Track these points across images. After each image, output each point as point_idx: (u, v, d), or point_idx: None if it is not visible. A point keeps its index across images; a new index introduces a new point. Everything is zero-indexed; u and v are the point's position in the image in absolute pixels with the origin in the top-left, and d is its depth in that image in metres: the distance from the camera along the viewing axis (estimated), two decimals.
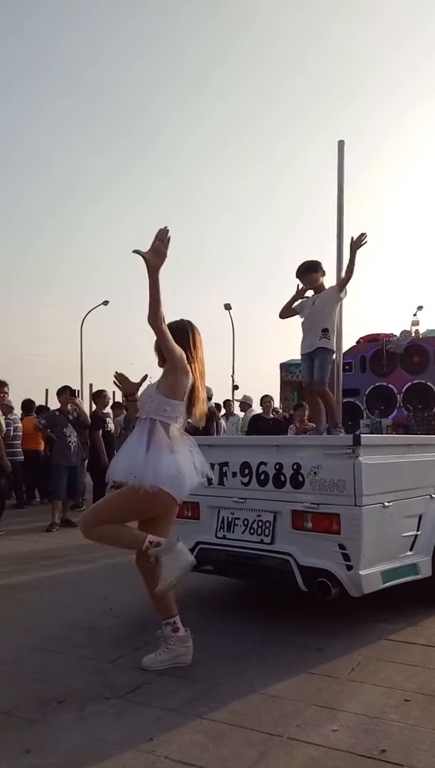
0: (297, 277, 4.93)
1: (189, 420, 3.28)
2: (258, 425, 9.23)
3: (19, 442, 9.52)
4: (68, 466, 8.30)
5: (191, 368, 3.14)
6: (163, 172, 53.76)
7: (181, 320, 3.30)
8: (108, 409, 9.48)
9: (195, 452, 3.22)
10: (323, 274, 4.92)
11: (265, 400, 9.56)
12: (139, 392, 3.37)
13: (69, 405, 8.57)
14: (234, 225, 55.57)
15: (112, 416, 9.43)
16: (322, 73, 56.93)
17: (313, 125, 50.85)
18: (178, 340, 3.11)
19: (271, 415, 9.47)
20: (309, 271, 4.88)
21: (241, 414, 11.20)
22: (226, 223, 54.10)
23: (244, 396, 11.69)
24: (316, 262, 4.93)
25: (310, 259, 4.94)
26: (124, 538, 3.15)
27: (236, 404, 11.95)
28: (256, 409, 10.33)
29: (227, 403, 12.34)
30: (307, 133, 56.00)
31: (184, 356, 3.10)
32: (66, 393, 8.58)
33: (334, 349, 4.91)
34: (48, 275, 49.18)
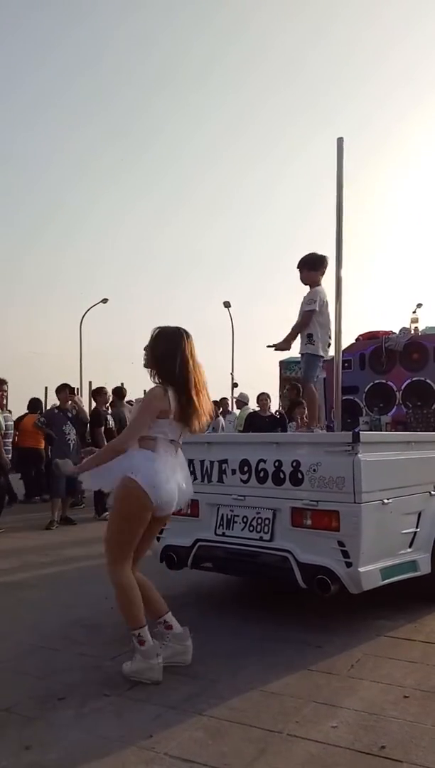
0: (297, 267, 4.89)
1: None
2: (254, 423, 9.28)
3: (10, 440, 9.55)
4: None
5: (185, 379, 3.03)
6: (163, 171, 53.79)
7: (175, 329, 3.14)
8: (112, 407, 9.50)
9: (180, 471, 3.14)
10: (322, 273, 4.88)
11: (262, 398, 9.64)
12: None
13: (68, 403, 8.58)
14: (234, 224, 55.66)
15: (111, 413, 9.45)
16: (322, 72, 56.93)
17: (312, 124, 50.98)
18: (167, 348, 3.05)
19: (268, 413, 9.54)
20: (306, 266, 4.83)
21: (238, 411, 11.27)
22: (226, 221, 54.17)
23: (241, 394, 11.76)
24: (317, 259, 4.87)
25: (314, 253, 4.89)
26: (127, 608, 3.00)
27: (233, 402, 12.03)
28: (253, 406, 10.40)
29: (223, 401, 12.38)
30: (307, 132, 56.01)
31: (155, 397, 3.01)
32: (65, 391, 8.60)
33: (319, 353, 4.79)
34: (48, 274, 49.22)
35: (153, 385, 3.09)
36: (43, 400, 13.24)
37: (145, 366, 3.15)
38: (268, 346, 4.79)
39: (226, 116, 56.24)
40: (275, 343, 4.79)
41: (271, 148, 56.31)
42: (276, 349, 4.82)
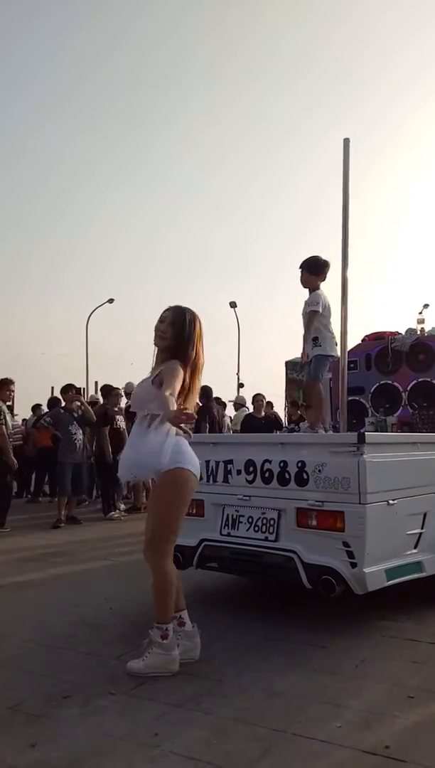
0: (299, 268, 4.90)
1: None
2: (250, 424, 9.37)
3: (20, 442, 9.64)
4: (73, 463, 8.35)
5: (196, 362, 3.12)
6: (169, 171, 53.80)
7: (194, 312, 3.21)
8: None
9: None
10: (323, 278, 4.87)
11: (256, 400, 9.84)
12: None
13: (74, 403, 8.62)
14: (240, 224, 55.61)
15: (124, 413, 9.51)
16: (330, 72, 56.80)
17: (319, 125, 50.82)
18: (192, 330, 3.11)
19: (262, 414, 9.71)
20: (308, 269, 4.84)
21: (234, 413, 11.45)
22: (232, 222, 54.12)
23: (238, 396, 11.96)
24: (320, 263, 4.86)
25: (317, 257, 4.89)
26: (162, 602, 3.08)
27: (230, 404, 12.24)
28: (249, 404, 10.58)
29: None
30: (314, 133, 55.95)
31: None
32: (71, 391, 8.64)
33: (328, 353, 4.85)
34: (55, 275, 49.28)
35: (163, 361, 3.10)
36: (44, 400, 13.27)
37: (162, 344, 3.14)
38: (301, 365, 4.92)
39: (234, 117, 56.29)
40: (301, 360, 4.96)
41: (278, 148, 56.34)
42: (304, 363, 4.96)
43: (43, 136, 50.15)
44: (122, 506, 8.98)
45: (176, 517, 3.12)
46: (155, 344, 3.20)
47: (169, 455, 3.00)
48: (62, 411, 8.60)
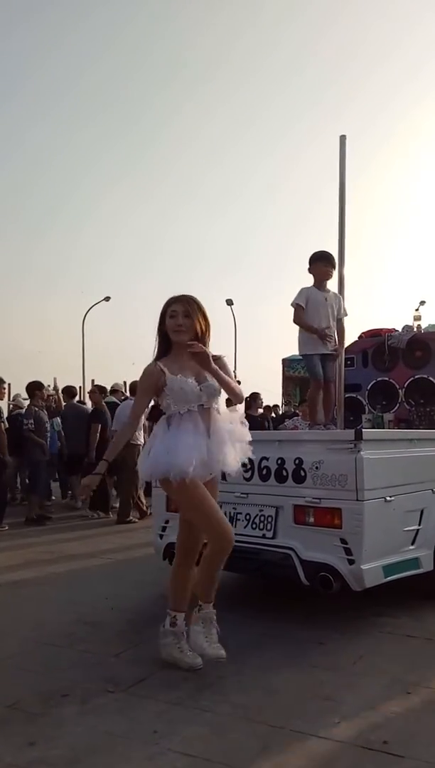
0: (310, 263, 4.90)
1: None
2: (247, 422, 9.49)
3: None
4: (47, 460, 8.57)
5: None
6: (167, 169, 53.75)
7: (192, 297, 3.16)
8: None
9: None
10: (334, 267, 4.91)
11: (254, 398, 10.03)
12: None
13: (45, 399, 8.78)
14: (237, 221, 55.56)
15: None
16: (327, 69, 56.74)
17: (318, 121, 50.71)
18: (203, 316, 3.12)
19: (259, 412, 9.87)
20: (321, 261, 4.85)
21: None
22: (229, 219, 54.06)
23: None
24: (330, 255, 4.89)
25: (325, 251, 4.91)
26: (177, 588, 3.15)
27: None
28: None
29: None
30: (312, 130, 55.88)
31: None
32: (42, 388, 8.74)
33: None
34: (52, 272, 49.08)
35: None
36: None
37: (187, 337, 3.05)
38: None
39: (231, 113, 56.20)
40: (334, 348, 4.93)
41: (276, 145, 56.30)
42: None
43: (39, 132, 49.98)
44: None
45: (204, 516, 3.13)
46: (180, 340, 3.06)
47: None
48: (37, 410, 8.51)
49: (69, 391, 10.02)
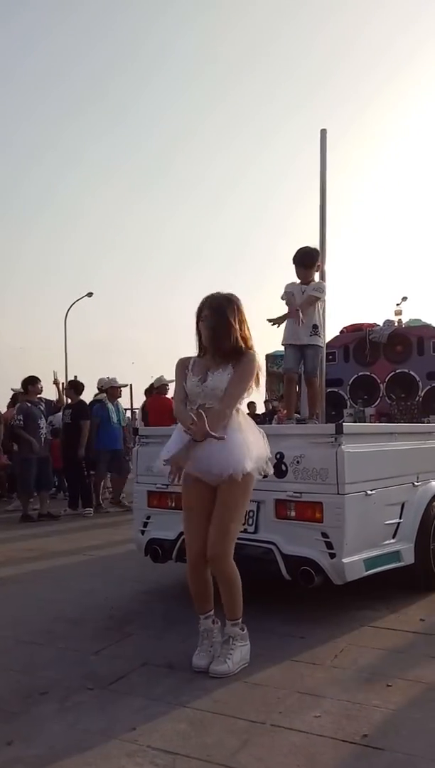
0: (294, 263, 4.87)
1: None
2: None
3: None
4: (38, 458, 8.21)
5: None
6: (162, 166, 53.38)
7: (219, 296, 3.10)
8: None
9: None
10: (318, 269, 4.92)
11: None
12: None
13: (39, 394, 8.57)
14: (232, 219, 55.57)
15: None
16: (319, 66, 56.73)
17: (309, 120, 50.38)
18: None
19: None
20: (296, 264, 4.83)
21: None
22: (224, 216, 54.06)
23: None
24: (314, 254, 4.86)
25: (309, 248, 4.88)
26: (237, 599, 3.06)
27: None
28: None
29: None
30: (308, 127, 55.81)
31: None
32: (36, 384, 8.49)
33: (323, 346, 4.93)
34: (42, 269, 48.46)
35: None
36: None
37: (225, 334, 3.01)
38: (270, 321, 4.80)
39: (224, 111, 56.08)
40: (275, 318, 4.80)
41: (272, 142, 56.15)
42: (273, 324, 4.83)
43: (31, 125, 49.29)
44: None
45: (241, 520, 3.18)
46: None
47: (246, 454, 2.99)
48: (29, 404, 8.33)
49: (75, 387, 9.36)
